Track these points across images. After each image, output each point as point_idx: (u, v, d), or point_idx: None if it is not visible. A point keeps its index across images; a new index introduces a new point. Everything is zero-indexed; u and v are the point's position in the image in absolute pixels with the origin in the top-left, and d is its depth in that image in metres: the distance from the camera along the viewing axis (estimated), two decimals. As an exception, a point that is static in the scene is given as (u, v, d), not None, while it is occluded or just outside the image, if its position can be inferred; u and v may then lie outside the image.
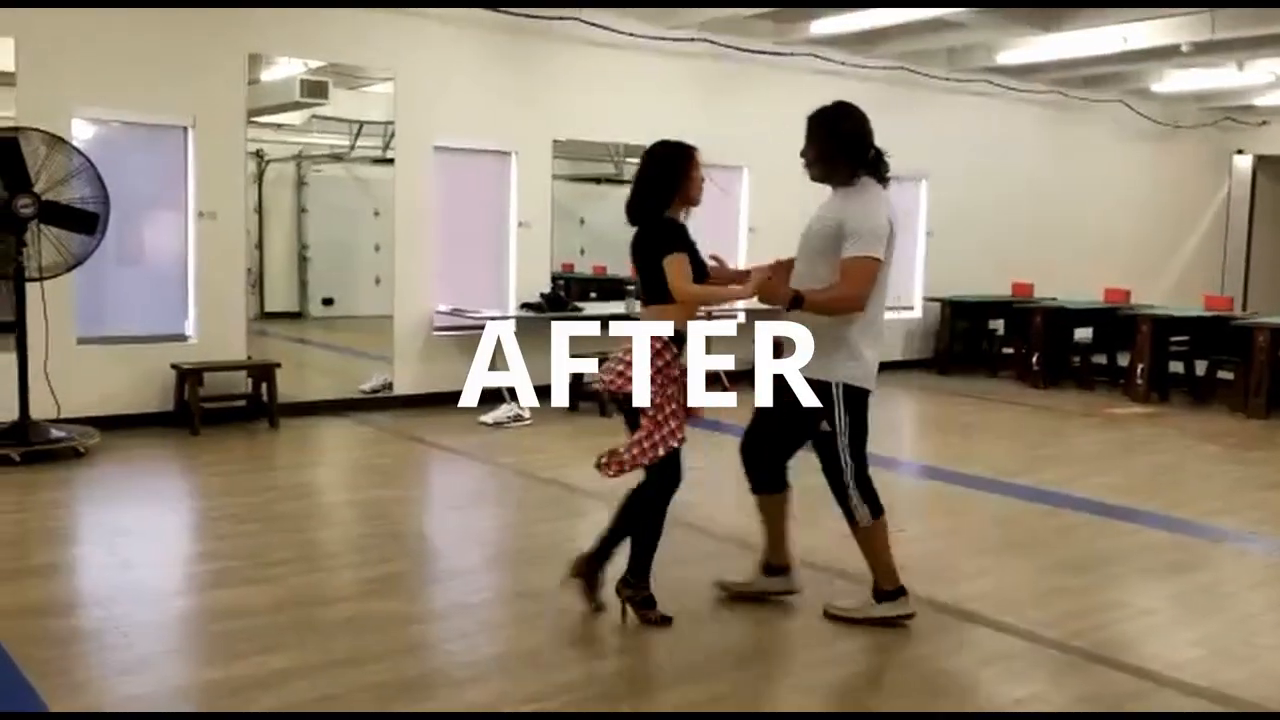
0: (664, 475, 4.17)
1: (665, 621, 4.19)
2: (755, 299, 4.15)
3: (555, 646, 4.07)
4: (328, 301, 16.14)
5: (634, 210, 4.25)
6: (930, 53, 11.53)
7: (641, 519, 4.22)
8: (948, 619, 4.43)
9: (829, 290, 4.09)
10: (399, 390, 9.09)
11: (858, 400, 4.21)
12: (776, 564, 4.54)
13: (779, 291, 4.06)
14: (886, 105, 11.68)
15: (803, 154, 4.26)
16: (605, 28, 9.66)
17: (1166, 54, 11.38)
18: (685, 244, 4.10)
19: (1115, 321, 10.98)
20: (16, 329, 6.92)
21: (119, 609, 4.34)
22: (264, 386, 8.14)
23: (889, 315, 10.19)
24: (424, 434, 8.05)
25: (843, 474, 4.26)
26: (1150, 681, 3.86)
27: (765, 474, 4.45)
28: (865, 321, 4.16)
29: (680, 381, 4.15)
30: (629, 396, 4.08)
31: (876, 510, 4.31)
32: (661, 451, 4.09)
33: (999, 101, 12.68)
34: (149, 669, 3.80)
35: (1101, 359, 11.40)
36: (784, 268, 4.29)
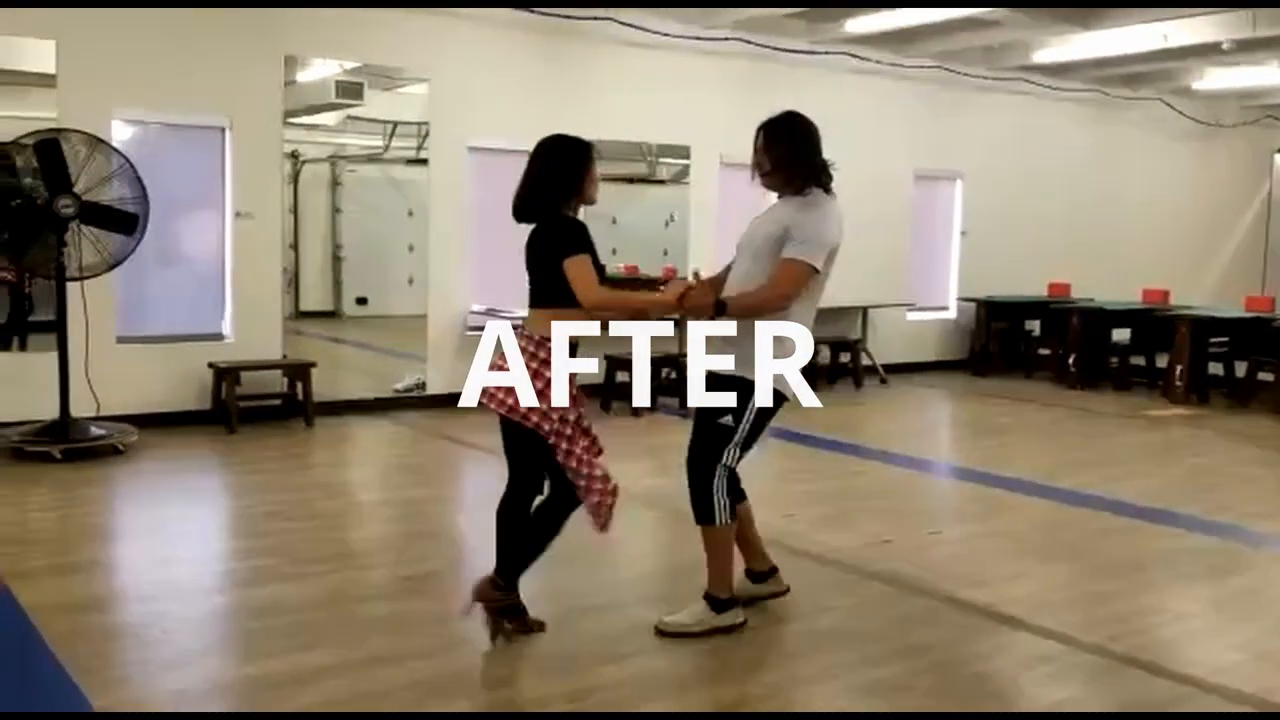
0: (531, 481, 4.01)
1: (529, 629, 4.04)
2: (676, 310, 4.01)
3: (589, 646, 4.07)
4: (362, 301, 16.21)
5: (526, 207, 4.04)
6: (967, 51, 11.44)
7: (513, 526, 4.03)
8: (984, 622, 4.39)
9: (754, 293, 3.99)
10: (432, 390, 9.14)
11: (776, 405, 4.08)
12: (760, 569, 4.48)
13: (702, 302, 3.94)
14: (923, 104, 11.83)
15: (756, 163, 4.17)
16: (639, 27, 9.66)
17: (1207, 52, 11.23)
18: (588, 245, 3.87)
19: (1154, 322, 10.86)
20: (57, 328, 7.02)
21: (159, 605, 4.39)
22: (300, 385, 8.21)
23: (921, 315, 10.33)
24: (457, 433, 8.08)
25: (717, 466, 4.05)
26: (1191, 686, 3.81)
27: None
28: (797, 323, 4.04)
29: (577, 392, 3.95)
30: (520, 420, 3.83)
31: (733, 513, 4.14)
32: (598, 471, 3.91)
33: (1036, 100, 12.58)
34: (189, 665, 3.84)
35: (1140, 360, 11.27)
36: (710, 282, 4.21)
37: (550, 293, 3.93)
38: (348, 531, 5.67)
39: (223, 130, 8.16)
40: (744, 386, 4.01)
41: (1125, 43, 10.64)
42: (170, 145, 8.14)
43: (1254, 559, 5.54)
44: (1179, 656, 4.10)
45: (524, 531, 4.02)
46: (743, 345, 3.99)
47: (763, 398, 4.01)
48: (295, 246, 15.66)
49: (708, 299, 3.97)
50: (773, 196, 4.28)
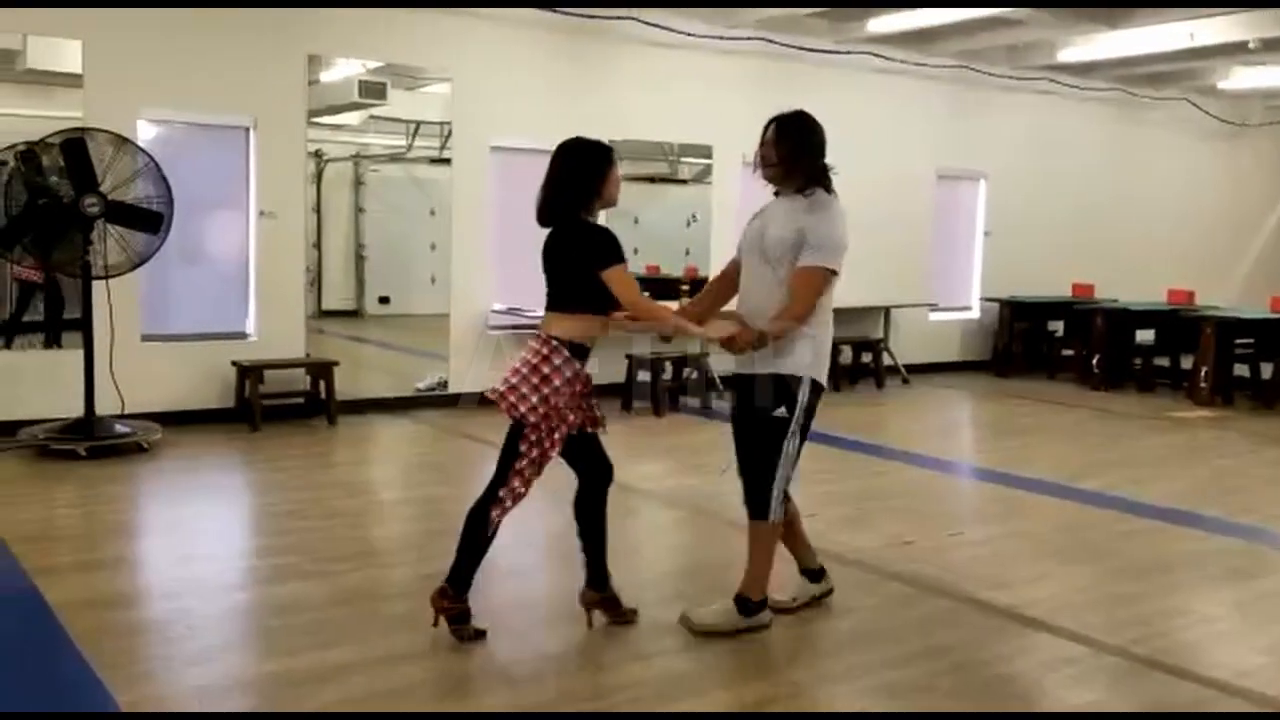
0: (600, 473, 4.17)
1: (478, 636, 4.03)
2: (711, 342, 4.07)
3: (611, 645, 4.08)
4: (384, 300, 16.28)
5: (548, 210, 4.07)
6: (990, 50, 11.39)
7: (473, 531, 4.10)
8: (1007, 623, 4.38)
9: (784, 314, 4.02)
10: (454, 388, 9.17)
11: (816, 395, 4.14)
12: (812, 567, 4.51)
13: (749, 340, 3.97)
14: (945, 104, 11.78)
15: (763, 154, 4.19)
16: (662, 27, 9.66)
17: (1233, 51, 11.14)
18: (622, 254, 3.90)
19: (1178, 323, 10.78)
20: (83, 326, 7.07)
21: (182, 602, 4.42)
22: (322, 384, 8.25)
23: (944, 315, 10.30)
24: (480, 432, 8.08)
25: (777, 467, 4.09)
26: (1215, 689, 3.79)
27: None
28: (823, 319, 4.13)
29: (579, 398, 4.00)
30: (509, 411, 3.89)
31: (784, 510, 4.19)
32: (519, 486, 4.02)
33: (1060, 100, 12.50)
34: (211, 661, 3.86)
35: (1164, 362, 11.20)
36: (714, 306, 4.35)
37: (573, 299, 3.97)
38: (369, 529, 5.69)
39: (247, 130, 8.21)
40: (790, 383, 4.07)
41: (1151, 42, 10.56)
42: (195, 144, 8.19)
43: (1278, 562, 5.49)
44: (1203, 659, 4.08)
45: (598, 526, 4.16)
46: (783, 345, 4.05)
47: (805, 391, 4.07)
48: (318, 245, 15.73)
49: (750, 337, 3.97)
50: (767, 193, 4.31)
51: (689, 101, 10.00)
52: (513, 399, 3.87)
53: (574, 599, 4.26)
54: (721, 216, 10.43)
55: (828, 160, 4.20)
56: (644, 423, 8.65)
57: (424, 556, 5.17)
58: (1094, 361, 11.08)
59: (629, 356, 9.19)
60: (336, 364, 8.34)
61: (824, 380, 4.16)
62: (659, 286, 11.74)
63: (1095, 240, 12.82)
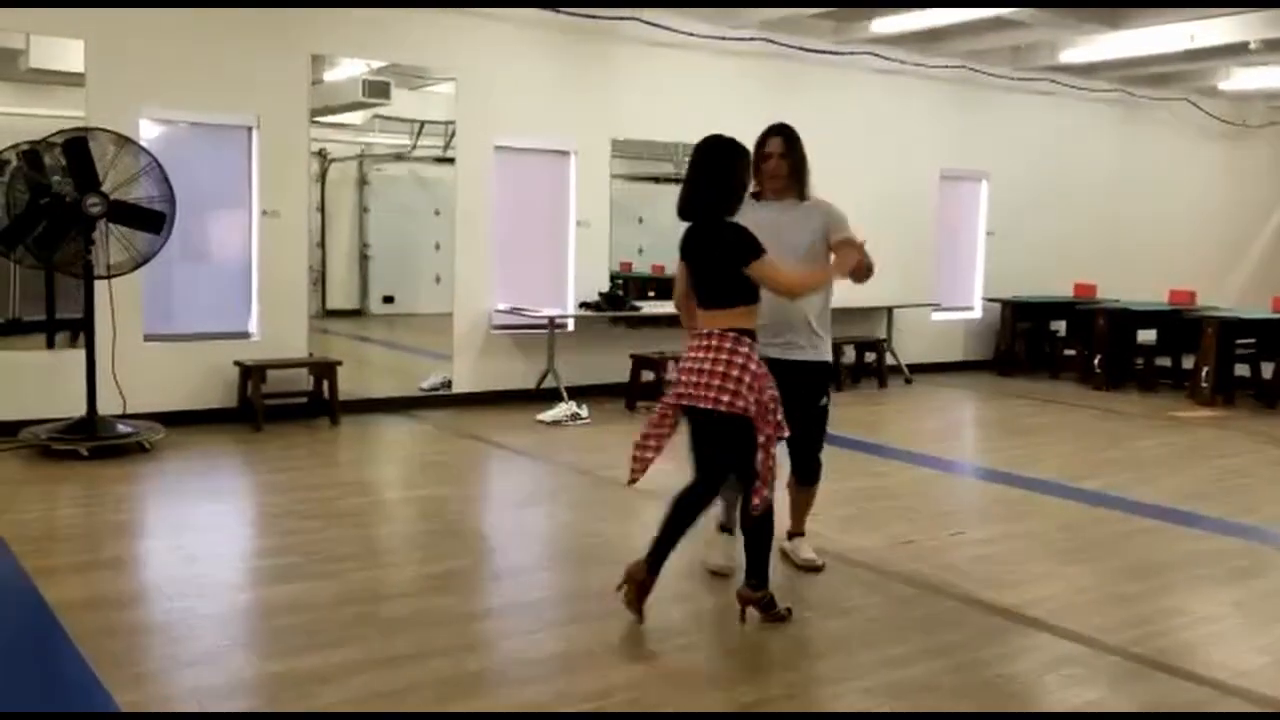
0: (720, 472, 4.27)
1: (786, 616, 4.29)
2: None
3: (613, 645, 4.08)
4: (388, 299, 16.28)
5: (688, 207, 4.17)
6: (993, 51, 11.39)
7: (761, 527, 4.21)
8: (1009, 623, 4.38)
9: (855, 253, 4.44)
10: (458, 388, 9.18)
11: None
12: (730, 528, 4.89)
13: (866, 267, 4.44)
14: (949, 105, 11.77)
15: (773, 168, 4.52)
16: (665, 27, 9.67)
17: (1235, 52, 11.15)
18: (758, 247, 4.04)
19: (1180, 323, 10.78)
20: (85, 326, 7.09)
21: (184, 602, 4.42)
22: (325, 384, 8.26)
23: (947, 315, 10.33)
24: (483, 432, 8.11)
25: (821, 442, 4.79)
26: (1214, 689, 3.79)
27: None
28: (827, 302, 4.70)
29: (764, 377, 4.09)
30: (734, 417, 4.02)
31: None
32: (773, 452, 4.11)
33: (1062, 100, 12.50)
34: (213, 661, 3.87)
35: (1165, 361, 11.20)
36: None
37: (731, 295, 4.12)
38: (372, 530, 5.70)
39: (249, 129, 8.22)
40: (829, 370, 4.75)
41: (1152, 43, 10.56)
42: (197, 144, 8.20)
43: (1279, 561, 5.50)
44: (1203, 659, 4.07)
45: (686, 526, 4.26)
46: (818, 332, 4.61)
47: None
48: (322, 245, 15.72)
49: (865, 260, 4.43)
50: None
51: (692, 101, 10.00)
52: (727, 399, 4.00)
53: (575, 599, 4.28)
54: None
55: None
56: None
57: (428, 556, 5.20)
58: (1096, 361, 11.08)
59: (633, 356, 9.20)
60: (339, 364, 8.35)
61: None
62: (665, 285, 11.77)
63: (1097, 240, 12.82)
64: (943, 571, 4.97)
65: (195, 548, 5.26)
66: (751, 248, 4.03)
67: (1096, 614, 4.50)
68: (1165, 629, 4.39)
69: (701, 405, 4.04)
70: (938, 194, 11.83)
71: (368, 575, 4.84)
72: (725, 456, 4.16)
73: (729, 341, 4.03)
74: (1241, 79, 12.62)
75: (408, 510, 6.32)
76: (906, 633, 4.27)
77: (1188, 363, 10.68)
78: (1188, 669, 3.96)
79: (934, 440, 8.66)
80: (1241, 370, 10.35)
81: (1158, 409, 9.93)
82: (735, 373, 3.99)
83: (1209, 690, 3.79)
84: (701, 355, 4.06)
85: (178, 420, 7.71)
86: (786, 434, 4.14)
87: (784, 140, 4.45)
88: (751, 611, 4.24)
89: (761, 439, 4.03)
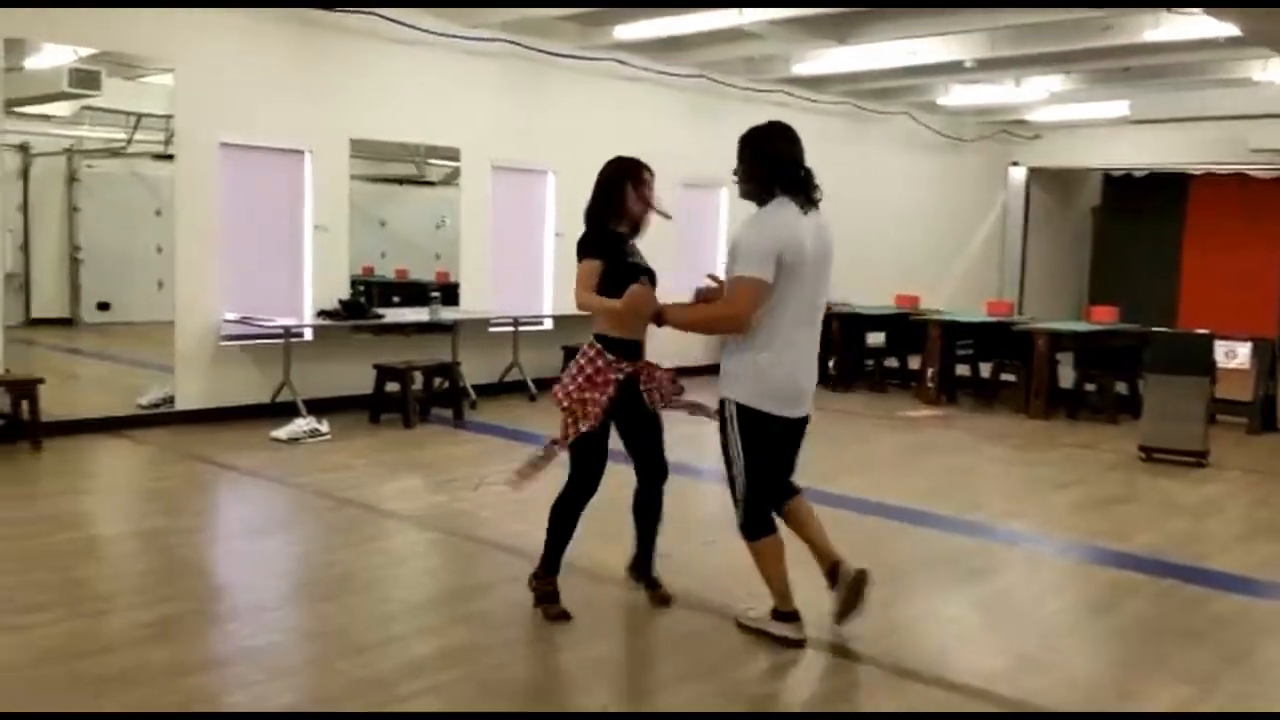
0: (580, 480, 4.35)
1: (563, 618, 4.36)
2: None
3: (355, 693, 3.76)
4: (103, 306, 15.04)
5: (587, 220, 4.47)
6: (730, 61, 11.63)
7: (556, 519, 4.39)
8: (764, 639, 4.35)
9: (703, 309, 4.22)
10: (182, 405, 8.48)
11: (757, 421, 4.07)
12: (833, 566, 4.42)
13: (645, 302, 4.13)
14: (688, 113, 11.93)
15: (734, 171, 4.29)
16: (404, 24, 9.31)
17: (952, 69, 11.85)
18: (594, 251, 4.30)
19: (907, 326, 11.35)
20: None
21: None
22: (25, 404, 7.42)
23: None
24: (210, 453, 7.51)
25: (735, 489, 4.18)
26: (960, 694, 3.88)
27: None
28: (767, 339, 4.01)
29: (605, 387, 4.23)
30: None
31: (765, 530, 4.22)
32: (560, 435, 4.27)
33: (795, 111, 12.90)
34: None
35: (894, 363, 11.76)
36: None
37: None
38: (77, 571, 5.02)
39: (-72, 120, 7.29)
40: (722, 406, 4.15)
41: (878, 58, 11.07)
42: None
43: (1009, 558, 5.78)
44: (950, 664, 4.17)
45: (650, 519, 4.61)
46: (723, 366, 4.13)
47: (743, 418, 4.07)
48: (25, 248, 14.38)
49: (651, 306, 4.14)
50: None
51: (435, 102, 9.70)
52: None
53: (311, 641, 3.94)
54: (471, 219, 10.17)
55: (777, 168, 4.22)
56: (393, 435, 8.29)
57: (143, 601, 4.67)
58: (830, 364, 11.50)
59: (377, 366, 8.79)
60: (41, 381, 7.51)
61: (773, 409, 4.04)
62: (410, 290, 11.38)
63: (831, 247, 13.32)
64: (700, 585, 4.89)
65: None
66: (582, 249, 4.34)
67: (851, 622, 4.53)
68: (914, 634, 4.48)
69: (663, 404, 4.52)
70: (682, 202, 11.95)
71: (70, 627, 4.27)
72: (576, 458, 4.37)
73: (587, 345, 4.33)
74: (957, 95, 13.46)
75: (121, 547, 5.67)
76: (665, 653, 4.17)
77: (914, 363, 11.26)
78: (937, 675, 4.03)
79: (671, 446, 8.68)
80: (962, 370, 11.01)
81: (888, 409, 10.40)
82: (574, 369, 4.29)
83: (954, 695, 3.88)
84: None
85: None
86: (564, 444, 4.28)
87: (738, 149, 4.24)
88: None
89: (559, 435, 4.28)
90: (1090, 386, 10.15)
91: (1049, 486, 7.47)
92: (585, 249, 4.35)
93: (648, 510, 4.59)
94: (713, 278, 4.34)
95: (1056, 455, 8.53)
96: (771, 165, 4.14)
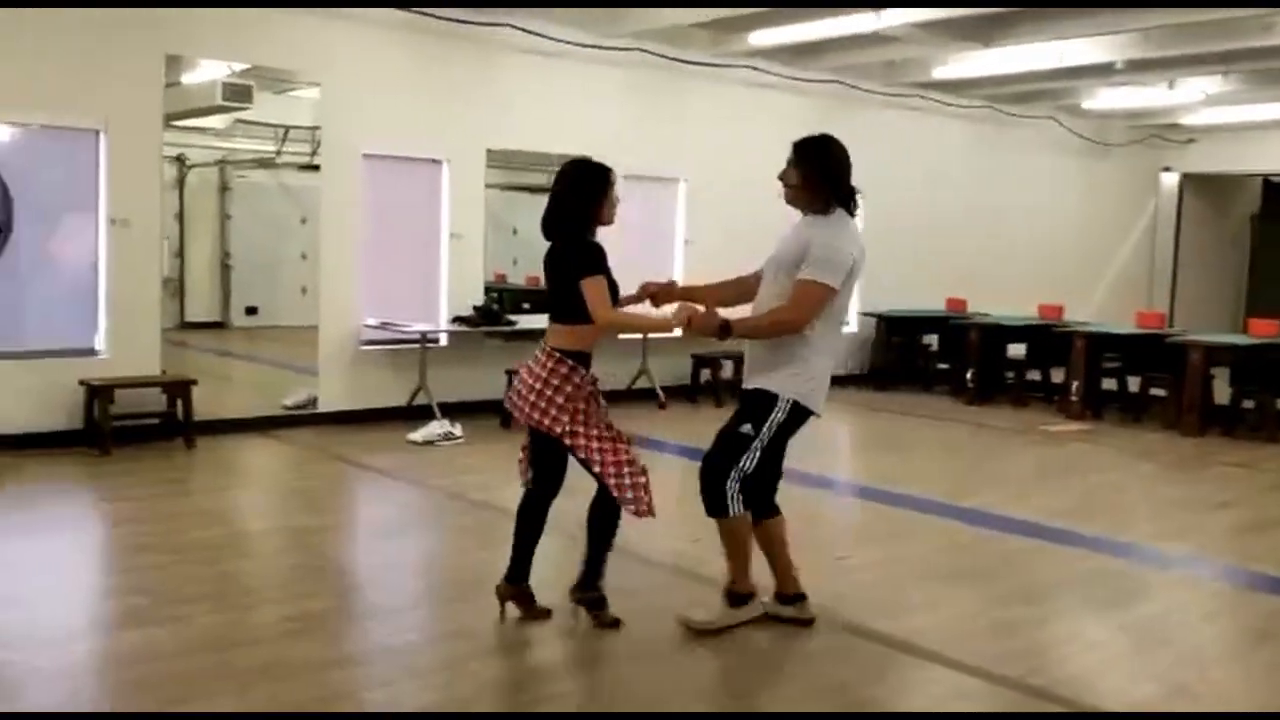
0: (549, 484, 4.30)
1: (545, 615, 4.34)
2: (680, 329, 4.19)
3: (487, 694, 3.81)
4: (251, 311, 15.67)
5: (549, 227, 4.27)
6: (867, 66, 11.46)
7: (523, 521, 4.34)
8: (899, 655, 4.25)
9: (765, 315, 4.21)
10: (324, 407, 8.75)
11: (798, 418, 4.25)
12: (787, 593, 4.47)
13: (710, 323, 4.08)
14: (822, 119, 11.73)
15: (783, 177, 4.29)
16: (539, 34, 9.43)
17: (1101, 71, 11.45)
18: (601, 267, 4.13)
19: (1049, 338, 10.98)
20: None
21: (11, 653, 3.98)
22: (180, 403, 7.76)
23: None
24: (350, 454, 7.72)
25: (735, 466, 4.20)
26: (1109, 723, 3.72)
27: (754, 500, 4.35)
28: (822, 342, 4.23)
29: (592, 398, 4.23)
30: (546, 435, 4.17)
31: (741, 508, 4.27)
32: (627, 475, 4.16)
33: (933, 116, 12.67)
34: (40, 725, 3.47)
35: (1036, 375, 11.40)
36: (694, 292, 4.46)
37: (566, 309, 4.17)
38: (226, 566, 5.24)
39: (97, 133, 7.67)
40: (767, 399, 4.19)
41: (1023, 61, 10.76)
42: (40, 148, 7.61)
43: (1160, 582, 5.51)
44: (1096, 689, 4.00)
45: (537, 530, 4.33)
46: (767, 361, 4.21)
47: (783, 411, 4.18)
48: (181, 254, 15.09)
49: (715, 321, 4.07)
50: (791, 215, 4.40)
51: (567, 110, 9.78)
52: (536, 416, 4.14)
53: (445, 642, 4.00)
54: (602, 228, 10.22)
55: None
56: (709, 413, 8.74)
57: (287, 596, 4.83)
58: (969, 375, 11.21)
59: (509, 372, 8.91)
60: (194, 382, 7.85)
61: (815, 407, 4.25)
62: (541, 297, 11.52)
63: (967, 255, 13.01)
64: (832, 601, 4.80)
65: (24, 588, 4.78)
66: (588, 264, 4.10)
67: (985, 642, 4.40)
68: (1056, 658, 4.31)
69: (519, 418, 4.22)
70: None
71: (219, 619, 4.43)
72: (540, 465, 4.28)
73: (551, 361, 4.15)
74: (1105, 98, 13.00)
75: (266, 543, 5.89)
76: (793, 670, 4.10)
77: (1057, 376, 10.88)
78: (1082, 700, 3.87)
79: (809, 457, 8.53)
80: (1109, 384, 10.59)
81: (1029, 423, 10.07)
82: (549, 392, 4.11)
83: (1102, 723, 3.72)
84: (530, 366, 4.20)
85: (16, 445, 7.15)
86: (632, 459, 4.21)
87: (794, 152, 4.28)
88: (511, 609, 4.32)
89: (581, 453, 4.15)
90: (1247, 403, 9.65)
91: (1203, 507, 7.12)
92: (592, 262, 4.12)
93: (604, 519, 4.30)
94: (672, 282, 4.54)
95: (1210, 474, 8.14)
96: (835, 180, 4.26)
